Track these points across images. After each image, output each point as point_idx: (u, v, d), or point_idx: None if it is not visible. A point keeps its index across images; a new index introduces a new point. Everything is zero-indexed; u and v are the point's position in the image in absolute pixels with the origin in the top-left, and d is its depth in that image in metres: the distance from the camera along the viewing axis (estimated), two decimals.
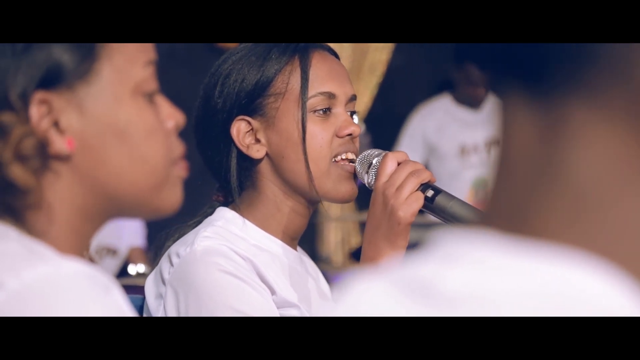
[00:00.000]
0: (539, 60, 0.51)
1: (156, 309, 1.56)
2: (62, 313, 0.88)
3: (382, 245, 1.52)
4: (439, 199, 1.51)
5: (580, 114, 0.50)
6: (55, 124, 0.97)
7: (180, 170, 1.05)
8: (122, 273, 3.64)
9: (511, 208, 0.52)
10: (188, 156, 1.09)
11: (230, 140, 1.61)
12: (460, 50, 4.50)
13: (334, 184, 1.60)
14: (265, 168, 1.62)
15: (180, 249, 1.55)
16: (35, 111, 0.96)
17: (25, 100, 0.96)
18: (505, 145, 0.53)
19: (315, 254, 4.84)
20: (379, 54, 5.16)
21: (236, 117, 1.60)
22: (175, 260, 1.55)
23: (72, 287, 0.90)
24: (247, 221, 1.62)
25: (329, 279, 1.76)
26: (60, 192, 0.99)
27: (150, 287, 1.59)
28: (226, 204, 1.66)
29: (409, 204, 1.51)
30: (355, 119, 1.65)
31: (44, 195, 0.98)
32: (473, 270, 0.49)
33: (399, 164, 1.55)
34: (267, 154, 1.61)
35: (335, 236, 5.01)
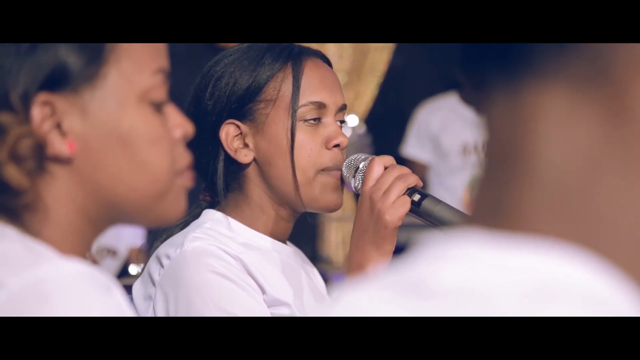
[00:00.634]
0: (518, 49, 0.51)
1: (145, 310, 1.56)
2: (63, 313, 0.88)
3: (369, 249, 1.53)
4: (426, 203, 1.52)
5: (559, 102, 0.50)
6: (58, 126, 0.97)
7: (186, 181, 1.05)
8: (122, 273, 3.65)
9: (494, 204, 0.52)
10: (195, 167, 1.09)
11: (219, 143, 1.61)
12: (470, 54, 4.47)
13: (319, 193, 1.60)
14: (252, 172, 1.62)
15: (170, 250, 1.55)
16: (37, 112, 0.96)
17: (26, 101, 0.96)
18: (488, 141, 0.53)
19: (315, 254, 4.84)
20: (380, 54, 5.15)
21: (225, 121, 1.60)
22: (165, 261, 1.55)
23: (73, 287, 0.90)
24: (234, 221, 1.62)
25: (329, 279, 1.77)
26: (58, 193, 0.98)
27: (138, 289, 1.59)
28: (213, 203, 1.66)
29: (395, 207, 1.51)
30: (345, 128, 1.66)
31: (41, 196, 0.97)
32: (463, 265, 0.50)
33: (385, 168, 1.56)
34: (254, 159, 1.61)
35: (336, 236, 5.01)
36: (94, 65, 0.98)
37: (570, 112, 0.50)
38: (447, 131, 4.62)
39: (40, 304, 0.89)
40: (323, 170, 1.60)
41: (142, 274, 1.60)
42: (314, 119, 1.61)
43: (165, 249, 1.57)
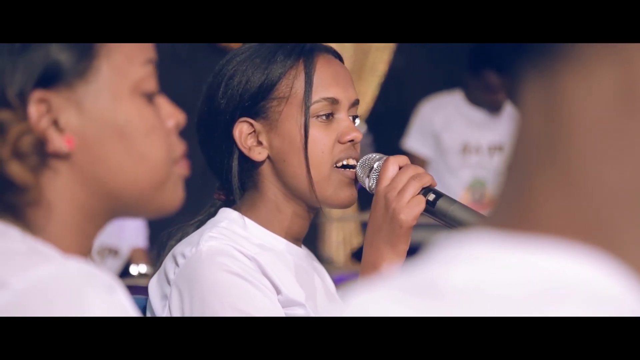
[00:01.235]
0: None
1: (161, 309, 1.56)
2: (66, 313, 0.88)
3: (383, 249, 1.52)
4: (441, 203, 1.52)
5: (579, 90, 0.50)
6: (55, 123, 0.98)
7: (182, 169, 1.06)
8: (124, 273, 3.65)
9: (514, 201, 0.52)
10: (189, 155, 1.09)
11: (232, 142, 1.61)
12: (477, 57, 4.47)
13: (334, 190, 1.60)
14: (266, 170, 1.62)
15: (186, 249, 1.55)
16: (34, 110, 0.97)
17: (23, 98, 0.96)
18: (519, 133, 0.53)
19: (316, 254, 4.83)
20: (381, 54, 5.16)
21: (239, 119, 1.60)
22: (180, 260, 1.55)
23: (77, 287, 0.90)
24: (250, 221, 1.62)
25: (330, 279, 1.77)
26: (60, 189, 0.99)
27: (154, 288, 1.59)
28: (227, 202, 1.66)
29: (410, 207, 1.51)
30: (357, 122, 1.66)
31: (43, 193, 0.98)
32: (474, 267, 0.50)
33: (400, 167, 1.56)
34: (268, 157, 1.62)
35: (337, 236, 5.01)
36: (86, 60, 0.99)
37: (608, 107, 0.50)
38: (449, 129, 4.62)
39: (44, 304, 0.89)
40: (337, 165, 1.60)
41: (158, 273, 1.59)
42: (327, 115, 1.61)
43: (181, 247, 1.57)
